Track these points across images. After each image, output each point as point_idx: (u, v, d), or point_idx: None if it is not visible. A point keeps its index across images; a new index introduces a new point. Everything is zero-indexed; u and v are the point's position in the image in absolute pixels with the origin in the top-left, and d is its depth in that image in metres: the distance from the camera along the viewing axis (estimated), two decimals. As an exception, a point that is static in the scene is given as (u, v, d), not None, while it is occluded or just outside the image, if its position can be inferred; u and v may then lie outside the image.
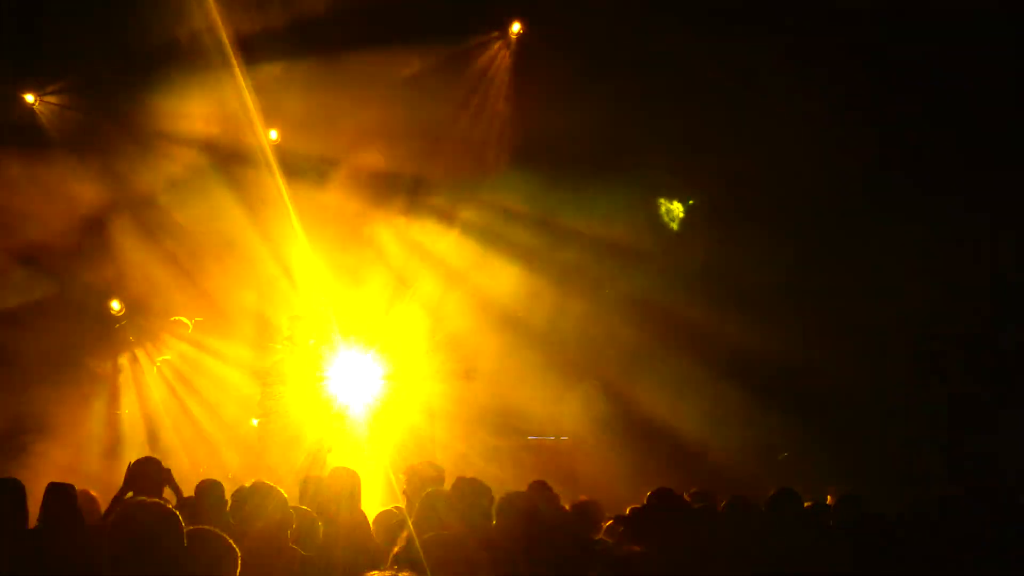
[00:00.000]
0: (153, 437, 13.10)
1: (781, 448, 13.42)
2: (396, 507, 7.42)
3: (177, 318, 13.78)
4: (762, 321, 13.45)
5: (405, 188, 14.53)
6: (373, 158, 14.30)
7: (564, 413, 14.06)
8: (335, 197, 14.32)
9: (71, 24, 12.69)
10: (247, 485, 6.80)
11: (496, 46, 14.29)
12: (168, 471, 8.05)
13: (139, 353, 13.60)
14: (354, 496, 7.35)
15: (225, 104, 13.66)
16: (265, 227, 13.94)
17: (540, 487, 7.86)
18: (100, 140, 13.72)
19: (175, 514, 4.86)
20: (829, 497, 8.80)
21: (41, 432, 12.92)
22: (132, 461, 8.03)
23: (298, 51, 13.52)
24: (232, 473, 12.73)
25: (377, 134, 14.06)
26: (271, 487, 6.57)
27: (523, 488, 7.46)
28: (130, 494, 7.70)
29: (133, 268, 13.90)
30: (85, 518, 7.47)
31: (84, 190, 13.68)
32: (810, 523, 7.02)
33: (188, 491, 8.12)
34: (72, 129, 13.76)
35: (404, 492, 7.51)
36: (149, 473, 7.83)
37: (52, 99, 13.79)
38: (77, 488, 7.87)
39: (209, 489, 7.63)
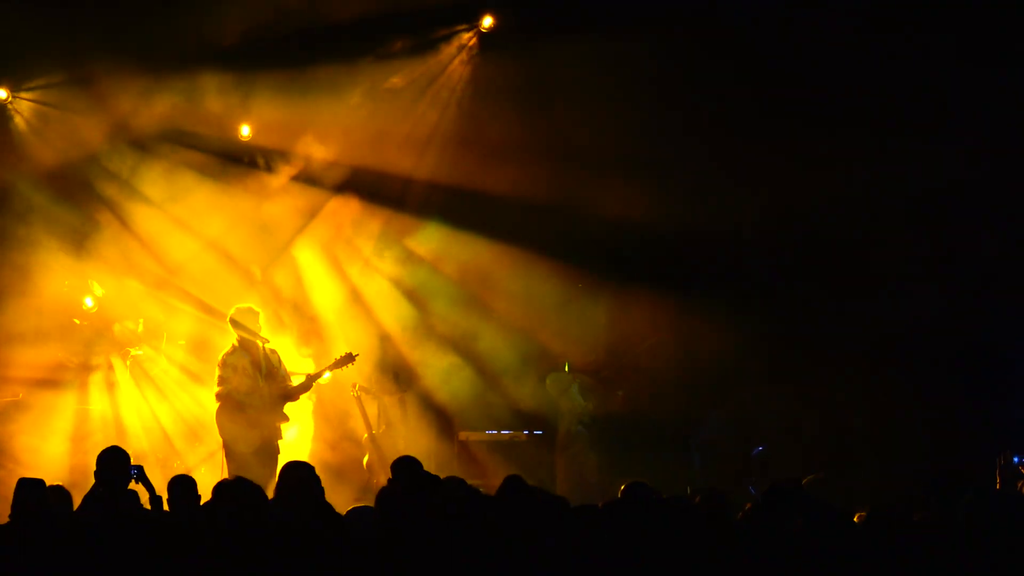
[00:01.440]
0: (122, 433, 13.07)
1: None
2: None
3: (150, 316, 13.75)
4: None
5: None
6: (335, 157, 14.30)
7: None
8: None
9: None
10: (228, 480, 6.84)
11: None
12: (140, 467, 8.09)
13: (111, 350, 13.56)
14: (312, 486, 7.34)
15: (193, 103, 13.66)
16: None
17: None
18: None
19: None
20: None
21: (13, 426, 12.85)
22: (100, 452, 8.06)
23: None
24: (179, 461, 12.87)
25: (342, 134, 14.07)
26: (250, 482, 6.61)
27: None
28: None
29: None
30: (58, 512, 7.48)
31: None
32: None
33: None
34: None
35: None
36: (119, 467, 7.85)
37: (27, 95, 13.67)
38: (48, 483, 7.89)
39: (181, 484, 7.66)
